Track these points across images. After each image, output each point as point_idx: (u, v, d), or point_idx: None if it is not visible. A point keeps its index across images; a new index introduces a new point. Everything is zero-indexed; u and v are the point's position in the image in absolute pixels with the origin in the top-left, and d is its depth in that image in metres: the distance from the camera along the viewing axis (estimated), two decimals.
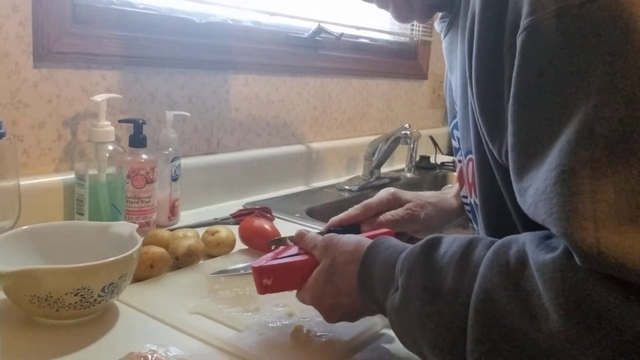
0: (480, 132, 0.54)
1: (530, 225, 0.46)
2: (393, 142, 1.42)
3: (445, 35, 0.69)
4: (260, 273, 0.61)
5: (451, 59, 0.68)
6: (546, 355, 0.39)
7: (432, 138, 1.84)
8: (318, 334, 0.63)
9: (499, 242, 0.46)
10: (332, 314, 0.60)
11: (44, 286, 0.58)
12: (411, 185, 1.54)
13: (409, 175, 1.61)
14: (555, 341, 0.39)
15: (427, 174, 1.68)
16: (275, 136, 1.32)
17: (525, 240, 0.44)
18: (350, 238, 0.61)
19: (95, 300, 0.61)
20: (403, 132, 1.40)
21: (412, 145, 1.57)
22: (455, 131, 0.72)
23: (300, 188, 1.37)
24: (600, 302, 0.37)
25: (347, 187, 1.38)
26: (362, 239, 0.60)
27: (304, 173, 1.40)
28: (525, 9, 0.45)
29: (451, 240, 0.50)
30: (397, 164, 1.69)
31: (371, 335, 0.65)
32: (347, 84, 1.52)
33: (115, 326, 0.63)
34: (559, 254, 0.40)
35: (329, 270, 0.59)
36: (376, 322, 0.67)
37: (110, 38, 0.95)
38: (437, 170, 1.73)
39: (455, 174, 0.75)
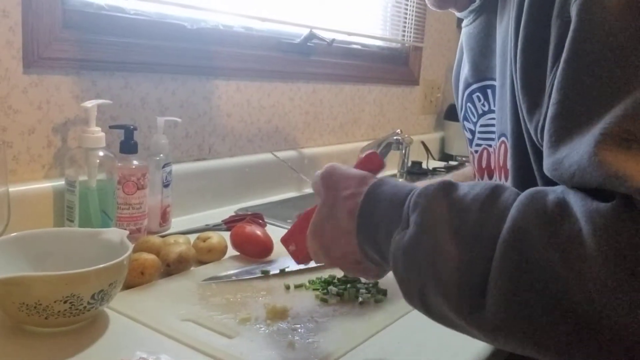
0: (519, 110, 0.53)
1: None
2: (385, 147, 1.42)
3: (473, 20, 0.67)
4: (285, 243, 0.65)
5: (481, 45, 0.67)
6: (579, 299, 0.38)
7: (423, 143, 1.85)
8: (310, 340, 0.63)
9: (531, 189, 0.43)
10: (331, 253, 0.57)
11: (32, 294, 0.58)
12: None
13: (400, 180, 1.61)
14: (594, 286, 0.37)
15: (419, 179, 1.68)
16: (267, 142, 1.32)
17: (564, 190, 0.42)
18: (352, 171, 0.57)
19: (85, 307, 0.60)
20: (395, 137, 1.41)
21: (404, 151, 1.57)
22: (465, 123, 0.72)
23: (293, 194, 1.36)
24: None
25: None
26: (366, 174, 0.56)
27: (296, 179, 1.40)
28: None
29: (473, 184, 0.47)
30: (389, 170, 1.69)
31: (363, 340, 0.64)
32: (338, 89, 1.53)
33: (105, 334, 0.62)
34: (616, 204, 0.37)
35: (331, 202, 0.56)
36: (375, 323, 0.66)
37: (101, 44, 0.95)
38: (429, 176, 1.73)
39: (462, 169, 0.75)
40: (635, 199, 0.37)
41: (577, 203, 0.40)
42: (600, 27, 0.42)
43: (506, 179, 0.63)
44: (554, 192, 0.42)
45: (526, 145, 0.55)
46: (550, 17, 0.47)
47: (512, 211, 0.42)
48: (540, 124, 0.49)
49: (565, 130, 0.43)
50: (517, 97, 0.53)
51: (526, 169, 0.56)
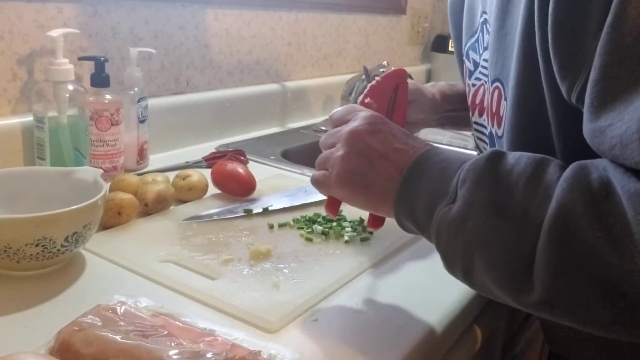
0: (540, 61, 0.49)
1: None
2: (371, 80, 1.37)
3: None
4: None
5: None
6: (624, 282, 0.38)
7: (410, 76, 1.80)
8: (294, 280, 0.61)
9: (574, 164, 0.43)
10: (346, 169, 0.53)
11: (1, 237, 0.55)
12: None
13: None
14: (638, 269, 0.37)
15: None
16: (248, 75, 1.27)
17: (606, 166, 0.41)
18: (402, 129, 0.55)
19: (59, 250, 0.58)
20: (381, 69, 1.36)
21: (373, 81, 1.52)
22: (471, 52, 0.68)
23: (275, 129, 1.33)
24: None
25: (323, 128, 1.34)
26: (418, 138, 0.55)
27: (279, 113, 1.35)
28: None
29: (518, 156, 0.46)
30: None
31: (348, 279, 0.63)
32: (323, 19, 1.46)
33: (82, 277, 0.60)
34: None
35: (379, 142, 0.53)
36: (361, 262, 0.65)
37: None
38: None
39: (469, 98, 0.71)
40: None
41: (619, 183, 0.39)
42: None
43: (498, 126, 0.60)
44: (597, 170, 0.41)
45: (535, 98, 0.51)
46: None
47: (557, 191, 0.41)
48: (577, 86, 0.45)
49: (607, 96, 0.41)
50: (547, 48, 0.48)
51: (531, 121, 0.53)
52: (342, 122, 0.57)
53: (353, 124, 0.54)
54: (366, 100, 0.62)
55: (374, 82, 0.63)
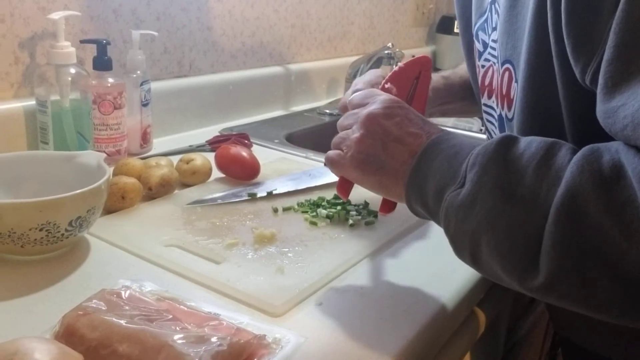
0: (552, 43, 0.48)
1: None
2: (375, 62, 1.36)
3: None
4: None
5: None
6: (633, 267, 0.37)
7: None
8: (299, 264, 0.61)
9: (587, 147, 0.41)
10: (363, 162, 0.54)
11: (5, 221, 0.55)
12: None
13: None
14: None
15: None
16: (252, 57, 1.25)
17: (619, 148, 0.40)
18: (419, 114, 0.55)
19: (63, 235, 0.58)
20: (386, 51, 1.34)
21: (395, 66, 1.51)
22: (480, 32, 0.67)
23: (279, 112, 1.32)
24: None
25: (327, 111, 1.33)
26: (434, 124, 0.54)
27: (283, 96, 1.34)
28: None
29: (529, 141, 0.45)
30: None
31: (353, 263, 0.63)
32: (326, 0, 1.44)
33: (87, 261, 0.60)
34: None
35: (393, 125, 0.53)
36: (366, 245, 0.65)
37: None
38: None
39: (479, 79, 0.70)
40: None
41: (631, 165, 0.38)
42: None
43: (509, 109, 0.59)
44: (608, 152, 0.40)
45: (547, 80, 0.50)
46: None
47: (567, 173, 0.40)
48: (591, 67, 0.44)
49: (621, 76, 0.40)
50: (559, 29, 0.47)
51: (543, 104, 0.52)
52: (361, 106, 0.57)
53: (370, 107, 0.55)
54: (386, 85, 0.62)
55: (396, 67, 0.63)
